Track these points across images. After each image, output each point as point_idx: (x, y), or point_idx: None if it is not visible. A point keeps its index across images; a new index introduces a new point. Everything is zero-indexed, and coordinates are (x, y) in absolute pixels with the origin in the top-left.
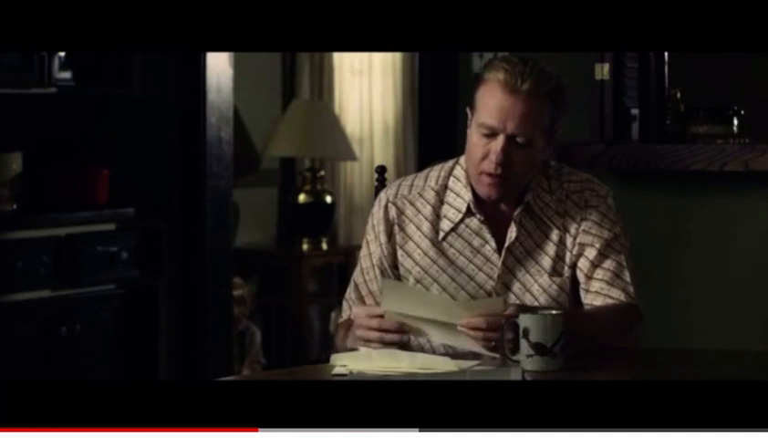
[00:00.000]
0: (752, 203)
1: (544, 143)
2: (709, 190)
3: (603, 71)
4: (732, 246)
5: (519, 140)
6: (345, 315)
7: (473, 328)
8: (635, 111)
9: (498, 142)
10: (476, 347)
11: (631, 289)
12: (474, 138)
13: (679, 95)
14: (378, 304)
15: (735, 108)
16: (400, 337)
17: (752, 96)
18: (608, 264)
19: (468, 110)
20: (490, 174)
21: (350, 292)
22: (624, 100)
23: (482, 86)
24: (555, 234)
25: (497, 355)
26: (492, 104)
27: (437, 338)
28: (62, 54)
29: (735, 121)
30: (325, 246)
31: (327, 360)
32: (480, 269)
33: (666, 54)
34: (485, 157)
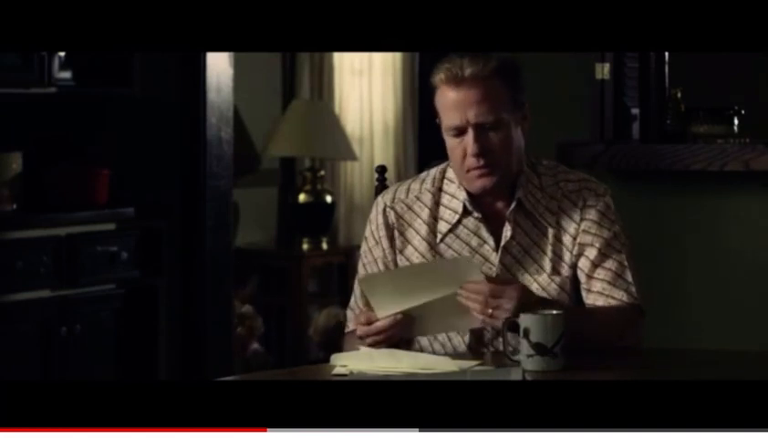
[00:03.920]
0: (751, 203)
1: (516, 120)
2: (709, 190)
3: (603, 71)
4: (732, 246)
5: (486, 125)
6: (351, 325)
7: (475, 292)
8: (635, 111)
9: (469, 136)
10: (476, 321)
11: (633, 289)
12: (449, 142)
13: (679, 95)
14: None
15: (735, 108)
16: (400, 328)
17: (752, 96)
18: (609, 264)
19: (437, 120)
20: (476, 168)
21: (355, 300)
22: (624, 100)
23: (436, 92)
24: (550, 233)
25: (497, 325)
26: (447, 104)
27: (438, 326)
28: (62, 54)
29: (735, 121)
30: (325, 246)
31: (327, 360)
32: None
33: (666, 54)
34: (464, 155)
